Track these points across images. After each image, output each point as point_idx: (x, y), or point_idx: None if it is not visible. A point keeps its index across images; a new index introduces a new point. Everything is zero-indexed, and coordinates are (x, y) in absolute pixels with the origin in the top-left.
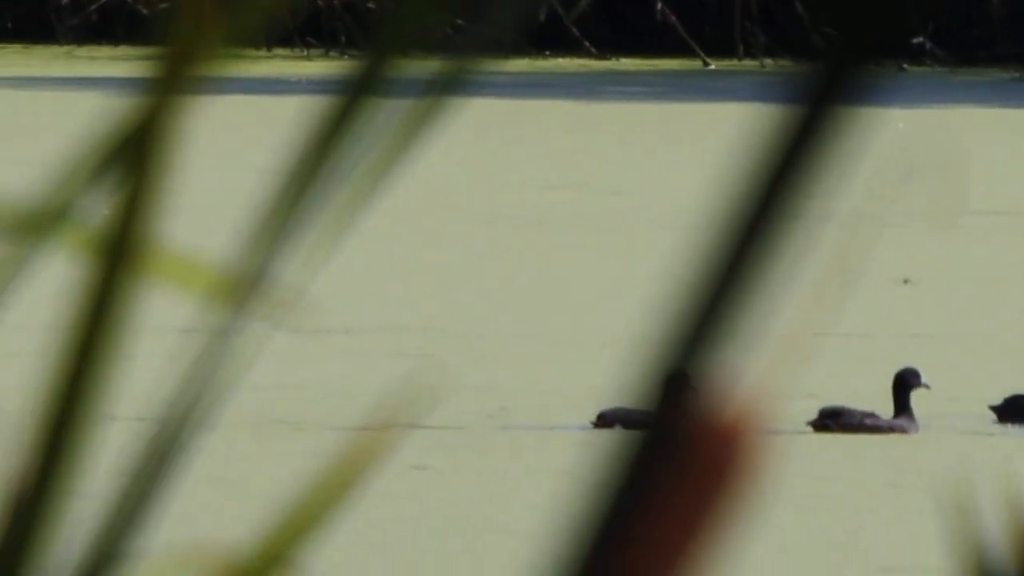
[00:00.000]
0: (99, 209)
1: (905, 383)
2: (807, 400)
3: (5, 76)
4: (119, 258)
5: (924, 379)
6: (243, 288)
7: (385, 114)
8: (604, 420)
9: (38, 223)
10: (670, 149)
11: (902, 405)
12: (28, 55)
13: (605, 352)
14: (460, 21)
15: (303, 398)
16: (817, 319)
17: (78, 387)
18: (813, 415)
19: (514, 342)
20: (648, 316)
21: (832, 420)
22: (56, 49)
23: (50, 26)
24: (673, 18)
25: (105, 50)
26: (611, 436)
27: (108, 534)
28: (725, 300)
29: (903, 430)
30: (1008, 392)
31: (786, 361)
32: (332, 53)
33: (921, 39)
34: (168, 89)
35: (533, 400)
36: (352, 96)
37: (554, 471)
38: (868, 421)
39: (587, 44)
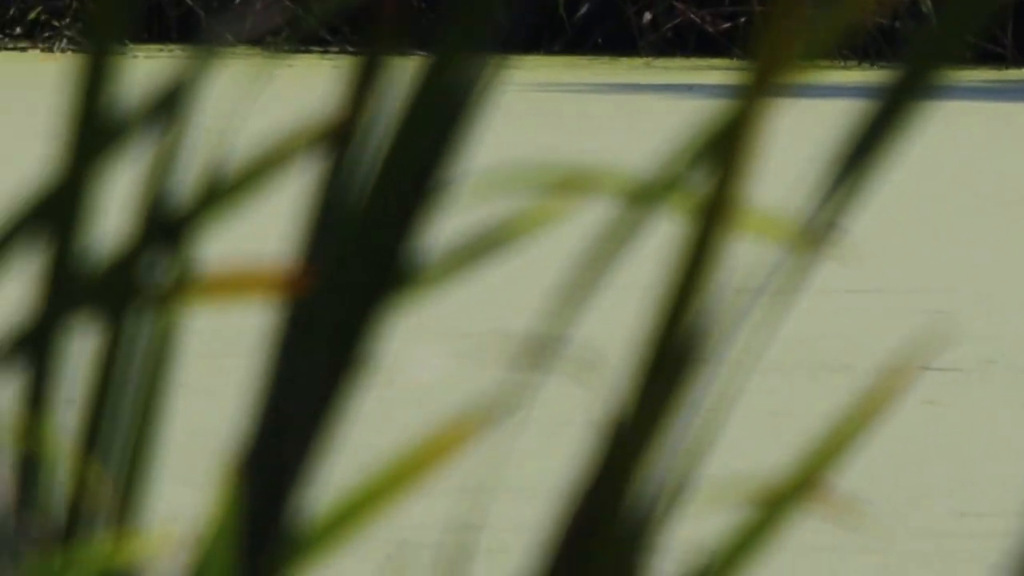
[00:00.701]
0: (700, 182)
1: None
2: None
3: (594, 83)
4: (714, 219)
5: None
6: (810, 239)
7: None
8: None
9: (649, 192)
10: None
11: None
12: (614, 65)
13: None
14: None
15: (842, 346)
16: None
17: (672, 335)
18: None
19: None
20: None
21: None
22: (636, 60)
23: (633, 40)
24: None
25: (678, 61)
26: None
27: (678, 465)
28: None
29: None
30: None
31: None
32: (864, 64)
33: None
34: (757, 93)
35: None
36: (891, 101)
37: None
38: None
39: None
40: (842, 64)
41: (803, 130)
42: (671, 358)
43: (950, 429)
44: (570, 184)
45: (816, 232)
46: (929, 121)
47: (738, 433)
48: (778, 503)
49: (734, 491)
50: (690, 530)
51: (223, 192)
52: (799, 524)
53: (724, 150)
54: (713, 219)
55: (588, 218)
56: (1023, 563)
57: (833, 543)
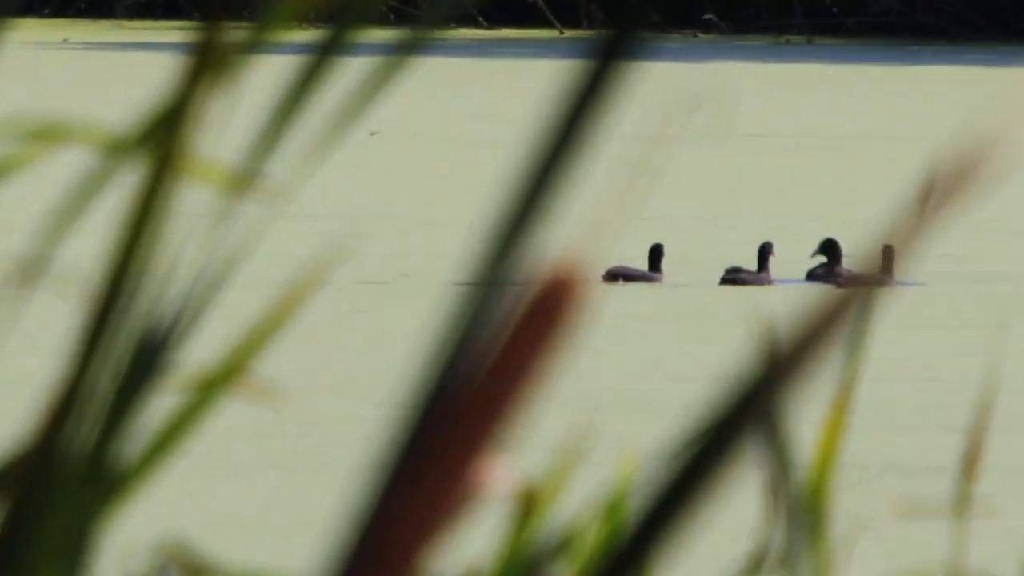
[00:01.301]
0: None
1: (764, 252)
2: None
3: (78, 41)
4: (165, 164)
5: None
6: (246, 182)
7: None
8: (610, 275)
9: (120, 147)
10: (537, 92)
11: (761, 267)
12: (92, 27)
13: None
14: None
15: (273, 262)
16: (626, 206)
17: (128, 263)
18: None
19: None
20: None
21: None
22: (109, 23)
23: (111, 5)
24: (540, 1)
25: (148, 22)
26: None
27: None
28: (556, 188)
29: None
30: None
31: (602, 235)
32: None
33: (709, 15)
34: (205, 52)
35: (434, 262)
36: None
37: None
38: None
39: (479, 18)
40: (299, 25)
41: (266, 85)
42: (122, 281)
43: (370, 333)
44: (47, 133)
45: (250, 175)
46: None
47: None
48: (207, 388)
49: (170, 378)
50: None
51: None
52: (234, 409)
53: (177, 107)
54: (164, 164)
55: (74, 161)
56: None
57: (265, 428)
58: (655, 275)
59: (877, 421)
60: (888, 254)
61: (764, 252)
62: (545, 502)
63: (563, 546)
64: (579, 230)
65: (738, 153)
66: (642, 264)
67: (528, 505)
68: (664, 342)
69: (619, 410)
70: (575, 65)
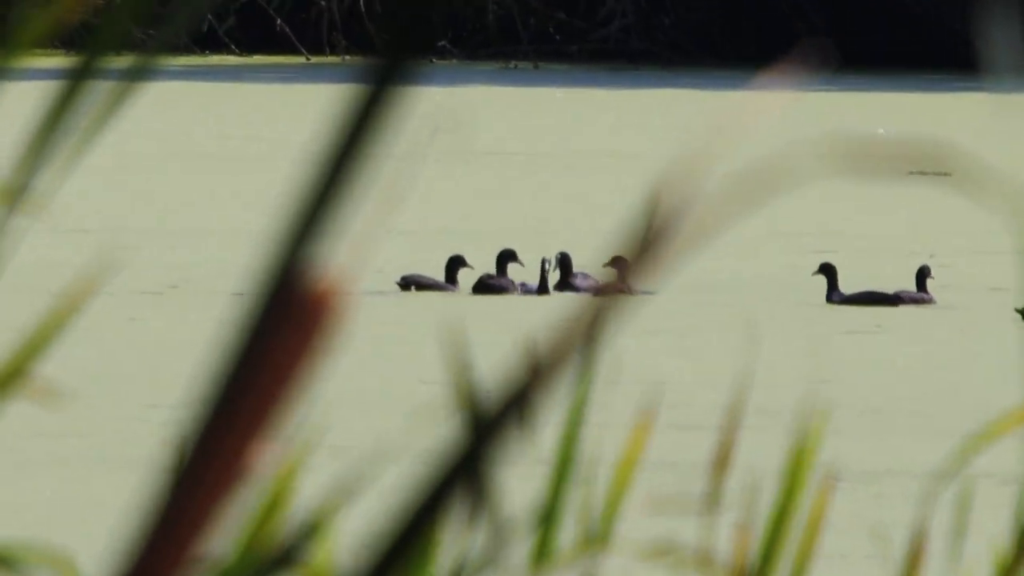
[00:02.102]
0: None
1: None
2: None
3: None
4: None
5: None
6: (13, 194)
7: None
8: (405, 282)
9: None
10: (287, 113)
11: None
12: None
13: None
14: (149, 30)
15: (55, 272)
16: (383, 220)
17: None
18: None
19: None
20: (275, 221)
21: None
22: None
23: None
24: (287, 28)
25: None
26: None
27: None
28: (322, 209)
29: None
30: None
31: (361, 247)
32: (69, 52)
33: (443, 42)
34: None
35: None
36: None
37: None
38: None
39: (232, 46)
40: (51, 52)
41: (24, 109)
42: None
43: (144, 339)
44: None
45: (20, 191)
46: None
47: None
48: None
49: None
50: None
51: None
52: (18, 410)
53: None
54: None
55: None
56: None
57: (49, 429)
58: (449, 285)
59: (614, 419)
60: (622, 265)
61: (503, 259)
62: (285, 491)
63: (307, 533)
64: (338, 244)
65: (477, 170)
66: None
67: (274, 493)
68: (410, 349)
69: (365, 409)
70: (326, 89)
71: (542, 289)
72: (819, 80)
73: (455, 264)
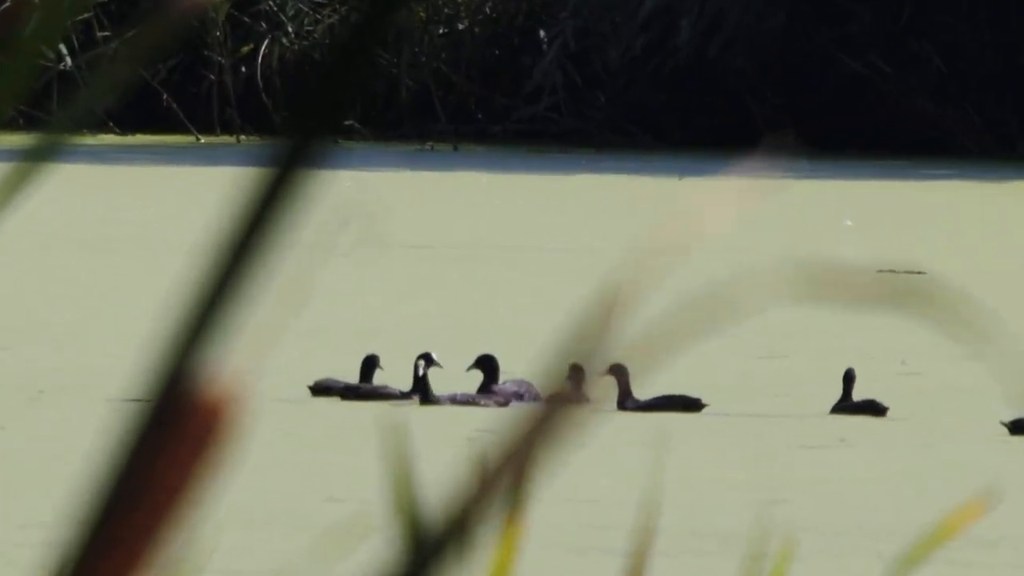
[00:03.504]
0: None
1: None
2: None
3: None
4: None
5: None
6: None
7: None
8: (318, 388)
9: None
10: (176, 199)
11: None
12: None
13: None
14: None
15: None
16: (283, 318)
17: None
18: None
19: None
20: (162, 319)
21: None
22: None
23: None
24: (173, 104)
25: None
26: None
27: None
28: (216, 307)
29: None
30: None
31: (257, 351)
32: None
33: (352, 121)
34: None
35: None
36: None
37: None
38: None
39: (112, 124)
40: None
41: None
42: None
43: (12, 450)
44: None
45: None
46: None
47: None
48: None
49: None
50: None
51: None
52: None
53: None
54: None
55: None
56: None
57: None
58: (390, 389)
59: (545, 542)
60: (577, 373)
61: (417, 366)
62: None
63: None
64: (236, 345)
65: (392, 263)
66: (354, 377)
67: None
68: (319, 462)
69: (264, 529)
70: (219, 173)
71: (420, 394)
72: (780, 167)
73: (370, 364)
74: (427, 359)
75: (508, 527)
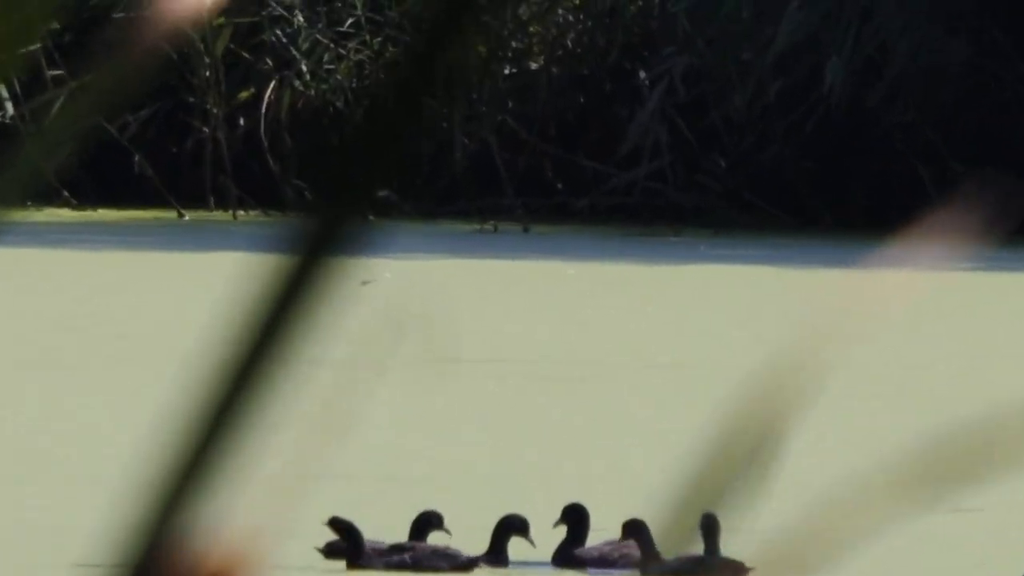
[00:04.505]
0: None
1: (508, 528)
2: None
3: None
4: None
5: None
6: None
7: None
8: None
9: None
10: (158, 294)
11: (499, 547)
12: None
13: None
14: None
15: None
16: (313, 460)
17: None
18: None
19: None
20: (140, 461)
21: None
22: None
23: None
24: (150, 170)
25: None
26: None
27: None
28: (216, 444)
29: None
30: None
31: (279, 502)
32: None
33: (388, 192)
34: None
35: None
36: None
37: None
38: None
39: (67, 195)
40: None
41: None
42: None
43: None
44: None
45: None
46: None
47: None
48: None
49: None
50: None
51: None
52: None
53: None
54: None
55: None
56: None
57: None
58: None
59: None
60: (711, 526)
61: (507, 527)
62: None
63: None
64: (240, 499)
65: (447, 385)
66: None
67: None
68: None
69: None
70: (210, 260)
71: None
72: (966, 254)
73: (425, 525)
74: (429, 521)
75: None
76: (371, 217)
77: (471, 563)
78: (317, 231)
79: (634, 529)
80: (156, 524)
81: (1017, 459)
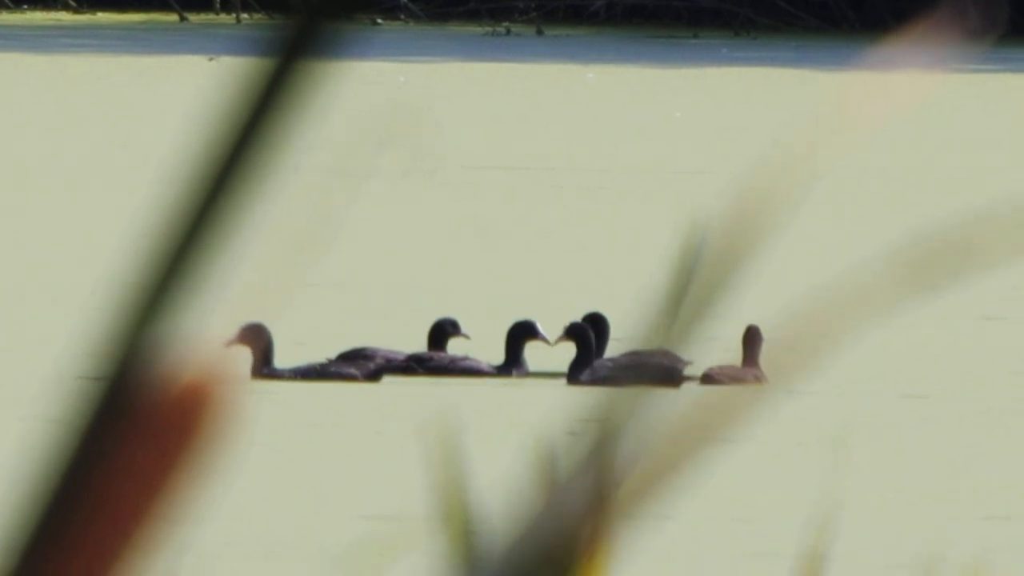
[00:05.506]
0: None
1: (522, 334)
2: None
3: None
4: None
5: (543, 333)
6: None
7: None
8: (374, 371)
9: None
10: (150, 100)
11: (514, 355)
12: None
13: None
14: None
15: None
16: (295, 270)
17: None
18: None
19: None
20: (120, 272)
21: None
22: None
23: None
24: None
25: None
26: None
27: None
28: (193, 253)
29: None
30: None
31: (258, 311)
32: None
33: None
34: None
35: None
36: None
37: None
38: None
39: None
40: None
41: None
42: None
43: None
44: None
45: None
46: None
47: None
48: None
49: None
50: None
51: None
52: None
53: None
54: None
55: None
56: None
57: None
58: (479, 364)
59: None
60: (753, 340)
61: (518, 333)
62: None
63: None
64: (224, 306)
65: (447, 194)
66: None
67: None
68: (344, 467)
69: (266, 557)
70: (210, 64)
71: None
72: (979, 53)
73: (440, 333)
74: (448, 327)
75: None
76: (376, 19)
77: (378, 372)
78: (314, 31)
79: (573, 330)
80: (132, 335)
81: (1013, 251)
